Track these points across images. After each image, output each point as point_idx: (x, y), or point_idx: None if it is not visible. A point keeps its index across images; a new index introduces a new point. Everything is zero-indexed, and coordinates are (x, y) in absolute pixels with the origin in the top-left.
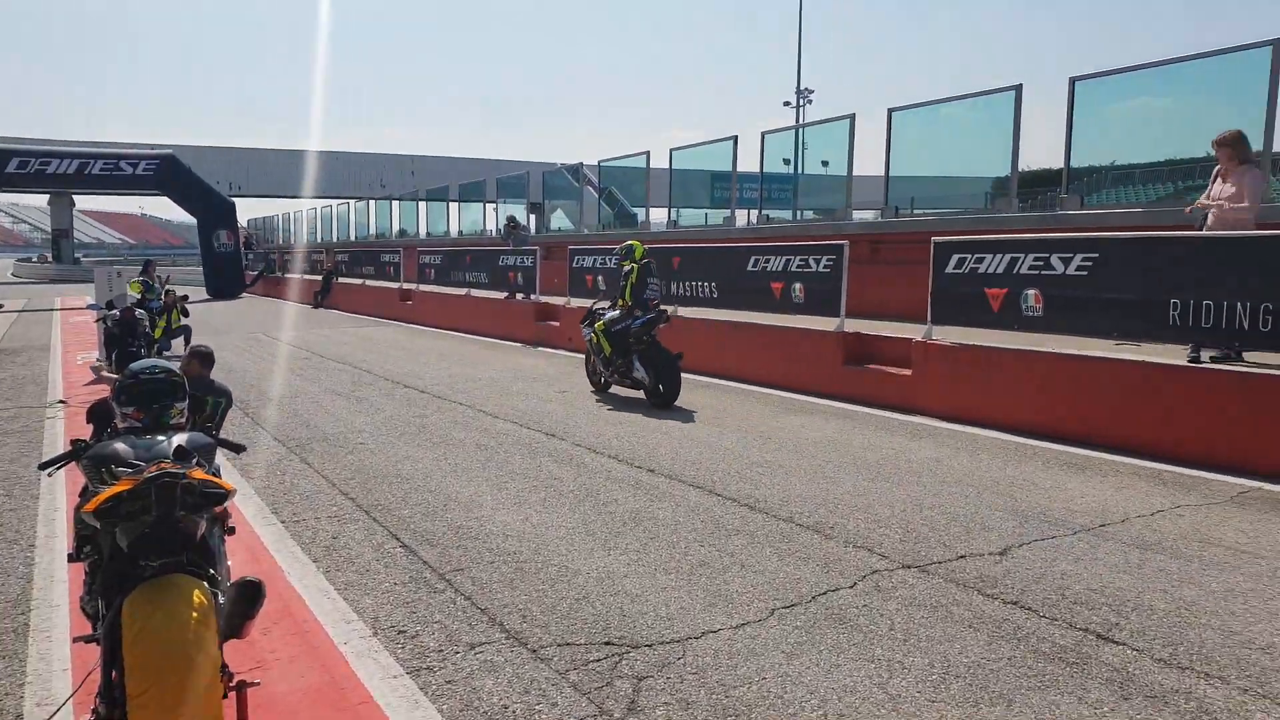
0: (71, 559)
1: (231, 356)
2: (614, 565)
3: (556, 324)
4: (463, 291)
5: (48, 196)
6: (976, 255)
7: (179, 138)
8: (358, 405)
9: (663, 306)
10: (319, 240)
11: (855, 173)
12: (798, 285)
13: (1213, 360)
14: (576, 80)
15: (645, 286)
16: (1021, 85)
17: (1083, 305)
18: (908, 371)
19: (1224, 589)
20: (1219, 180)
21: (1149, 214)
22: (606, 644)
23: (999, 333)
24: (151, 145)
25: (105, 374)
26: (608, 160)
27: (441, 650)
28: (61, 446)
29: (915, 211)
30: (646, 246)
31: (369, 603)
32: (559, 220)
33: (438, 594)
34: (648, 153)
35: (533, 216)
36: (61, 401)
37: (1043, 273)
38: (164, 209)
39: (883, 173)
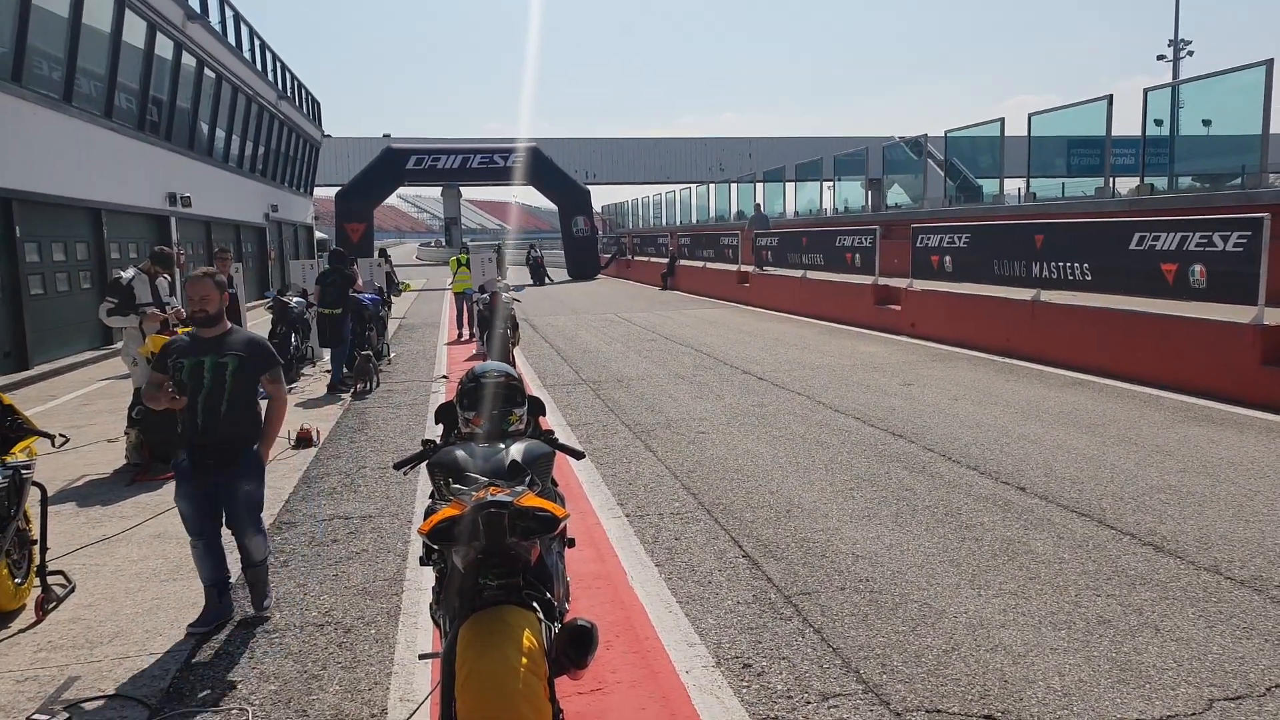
0: (422, 562)
1: (588, 336)
2: (986, 610)
3: (897, 308)
4: (799, 274)
5: (440, 188)
6: None
7: (542, 131)
8: (699, 391)
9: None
10: (664, 224)
11: (1242, 131)
12: (1197, 267)
13: None
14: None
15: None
16: None
17: None
18: None
19: None
20: None
21: None
22: (987, 718)
23: None
24: (520, 140)
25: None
26: (954, 130)
27: (790, 696)
28: None
29: None
30: None
31: (711, 623)
32: (896, 195)
33: (784, 621)
34: (1002, 120)
35: (811, 196)
36: (444, 377)
37: None
38: (533, 197)
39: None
